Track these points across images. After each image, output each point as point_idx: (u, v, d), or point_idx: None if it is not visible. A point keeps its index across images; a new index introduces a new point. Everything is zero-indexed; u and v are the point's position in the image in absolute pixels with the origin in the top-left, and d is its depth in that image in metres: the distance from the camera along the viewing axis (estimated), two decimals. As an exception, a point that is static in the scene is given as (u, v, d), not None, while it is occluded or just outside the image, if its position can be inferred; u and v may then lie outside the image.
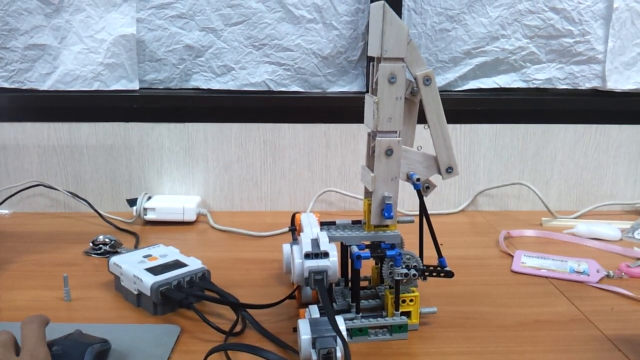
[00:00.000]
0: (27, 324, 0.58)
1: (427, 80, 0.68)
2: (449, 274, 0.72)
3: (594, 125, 1.24)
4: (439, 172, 0.72)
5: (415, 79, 0.68)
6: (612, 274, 0.90)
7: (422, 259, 0.72)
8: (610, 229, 1.08)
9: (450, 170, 0.72)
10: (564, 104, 1.25)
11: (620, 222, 1.14)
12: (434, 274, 0.72)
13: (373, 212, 0.71)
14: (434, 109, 0.69)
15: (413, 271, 0.69)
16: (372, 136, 0.71)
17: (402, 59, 0.66)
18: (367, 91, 0.73)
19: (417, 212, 0.71)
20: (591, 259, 0.95)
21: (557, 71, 1.24)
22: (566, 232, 1.09)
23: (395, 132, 0.68)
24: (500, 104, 1.25)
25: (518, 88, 1.26)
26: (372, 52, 0.69)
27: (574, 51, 1.22)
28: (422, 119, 0.71)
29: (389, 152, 0.69)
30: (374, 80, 0.68)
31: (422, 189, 0.72)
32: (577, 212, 1.23)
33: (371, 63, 0.70)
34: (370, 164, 0.72)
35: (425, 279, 0.72)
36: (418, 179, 0.70)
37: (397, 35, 0.65)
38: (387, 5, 0.65)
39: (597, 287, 0.86)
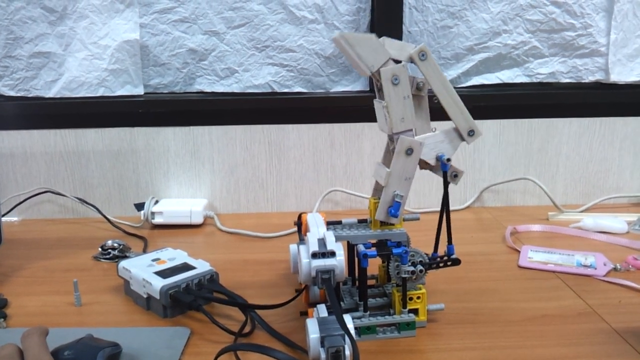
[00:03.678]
0: (27, 337, 0.58)
1: (423, 55, 0.68)
2: (456, 262, 0.72)
3: (599, 118, 1.24)
4: (463, 139, 0.72)
5: (411, 60, 0.68)
6: (619, 267, 0.90)
7: (437, 246, 0.72)
8: (616, 222, 1.08)
9: (472, 133, 0.71)
10: (568, 97, 1.25)
11: (626, 215, 1.14)
12: (441, 264, 0.72)
13: (380, 206, 0.71)
14: (437, 79, 0.69)
15: (419, 267, 0.69)
16: (390, 138, 0.71)
17: (394, 60, 0.67)
18: (370, 90, 0.73)
19: (423, 210, 0.72)
20: (598, 253, 0.95)
21: (560, 65, 1.24)
22: (572, 226, 1.09)
23: (411, 129, 0.69)
24: (504, 100, 1.25)
25: (521, 83, 1.26)
26: (364, 73, 0.69)
27: (576, 44, 1.22)
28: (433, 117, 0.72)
29: (409, 152, 0.69)
30: (379, 87, 0.68)
31: (450, 177, 0.72)
32: (583, 205, 1.23)
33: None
34: (386, 161, 0.72)
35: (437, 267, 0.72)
36: (448, 159, 0.70)
37: (371, 48, 0.66)
38: (343, 34, 0.66)
39: (605, 281, 0.86)
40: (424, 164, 0.72)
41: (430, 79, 0.69)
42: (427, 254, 0.72)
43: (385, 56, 0.67)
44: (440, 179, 0.72)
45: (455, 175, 0.73)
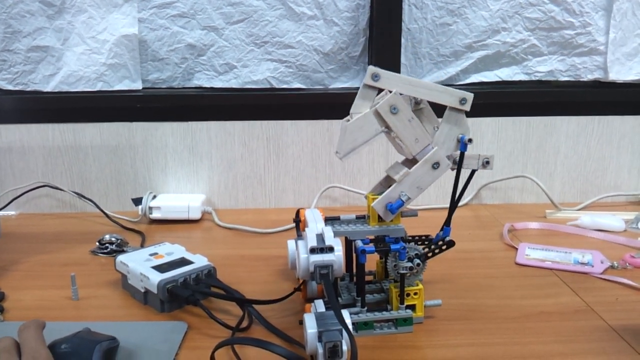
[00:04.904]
0: (24, 330, 0.58)
1: (375, 76, 0.68)
2: (450, 244, 0.72)
3: (597, 117, 1.24)
4: (460, 112, 0.71)
5: (370, 87, 0.69)
6: (616, 264, 0.90)
7: (446, 222, 0.73)
8: (614, 220, 1.08)
9: (464, 101, 0.70)
10: (566, 95, 1.25)
11: (624, 213, 1.14)
12: (437, 251, 0.72)
13: (381, 198, 0.70)
14: (400, 83, 0.69)
15: (417, 261, 0.70)
16: (413, 161, 0.72)
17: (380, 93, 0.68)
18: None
19: (420, 207, 0.72)
20: (595, 250, 0.95)
21: (559, 63, 1.24)
22: (570, 223, 1.09)
23: (428, 144, 0.70)
24: (503, 97, 1.25)
25: (520, 81, 1.26)
26: (377, 134, 0.70)
27: (575, 43, 1.22)
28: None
29: (435, 166, 0.70)
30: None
31: (482, 165, 0.72)
32: (581, 203, 1.23)
33: None
34: (405, 164, 0.73)
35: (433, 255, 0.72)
36: (470, 140, 0.70)
37: (359, 128, 0.68)
38: (339, 152, 0.68)
39: (602, 278, 0.86)
40: (452, 164, 0.72)
41: (395, 87, 0.69)
42: (428, 236, 0.72)
43: (371, 118, 0.68)
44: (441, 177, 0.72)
45: (487, 162, 0.73)
